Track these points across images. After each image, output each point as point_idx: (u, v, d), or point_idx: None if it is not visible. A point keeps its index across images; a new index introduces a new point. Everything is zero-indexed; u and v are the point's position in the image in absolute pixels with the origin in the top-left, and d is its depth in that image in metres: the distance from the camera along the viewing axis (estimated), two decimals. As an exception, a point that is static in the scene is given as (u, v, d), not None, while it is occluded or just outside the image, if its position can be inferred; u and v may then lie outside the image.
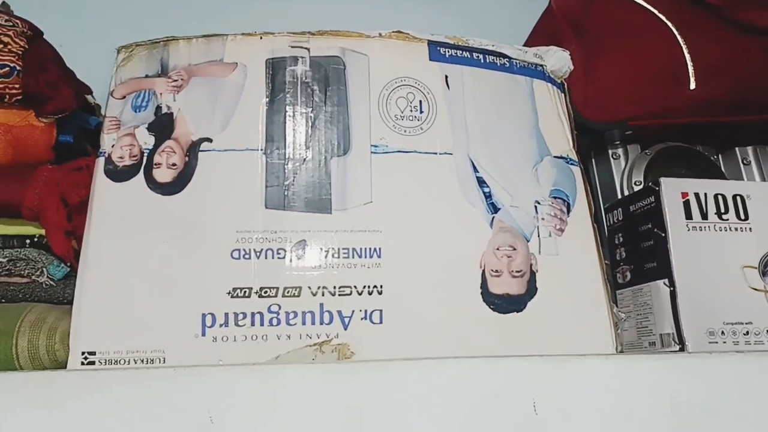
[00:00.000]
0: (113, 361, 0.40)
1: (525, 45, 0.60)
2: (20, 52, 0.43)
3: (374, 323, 0.41)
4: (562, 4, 0.67)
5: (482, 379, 0.36)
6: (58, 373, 0.39)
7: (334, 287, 0.41)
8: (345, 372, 0.40)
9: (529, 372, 0.35)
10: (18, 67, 0.42)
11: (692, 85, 0.58)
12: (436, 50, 0.47)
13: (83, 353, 0.40)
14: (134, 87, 0.45)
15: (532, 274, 0.44)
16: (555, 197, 0.46)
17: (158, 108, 0.44)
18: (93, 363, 0.39)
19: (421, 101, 0.45)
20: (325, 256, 0.42)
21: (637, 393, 0.36)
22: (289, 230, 0.42)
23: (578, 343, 0.43)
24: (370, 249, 0.42)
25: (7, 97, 0.42)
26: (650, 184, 0.47)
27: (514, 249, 0.44)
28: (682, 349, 0.42)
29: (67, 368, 0.40)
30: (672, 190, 0.46)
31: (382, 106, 0.45)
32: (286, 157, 0.43)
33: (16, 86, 0.42)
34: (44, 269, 0.44)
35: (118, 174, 0.43)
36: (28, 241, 0.44)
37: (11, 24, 0.46)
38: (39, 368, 0.40)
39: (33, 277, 0.44)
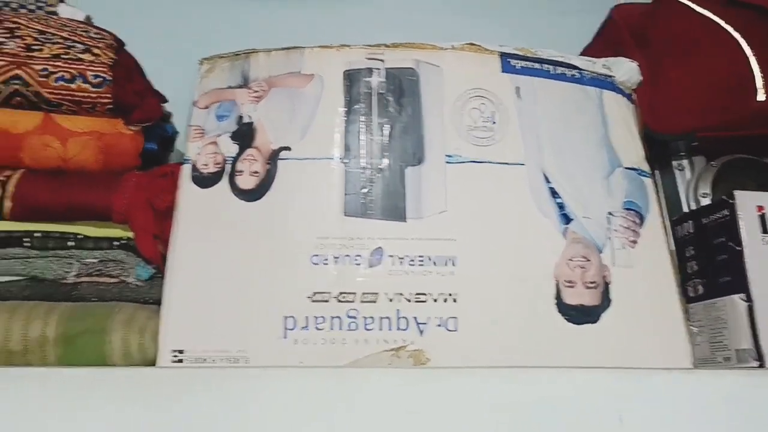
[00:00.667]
0: (200, 360, 0.41)
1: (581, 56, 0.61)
2: (110, 63, 0.46)
3: (449, 330, 0.42)
4: (624, 16, 0.67)
5: (563, 390, 0.37)
6: (150, 370, 0.41)
7: (410, 294, 0.43)
8: (422, 377, 0.41)
9: (613, 384, 0.36)
10: (108, 78, 0.45)
11: (760, 97, 0.58)
12: (508, 62, 0.48)
13: (172, 351, 0.42)
14: (217, 97, 0.47)
15: (606, 285, 0.44)
16: (628, 209, 0.46)
17: (240, 117, 0.46)
18: (181, 361, 0.41)
19: (493, 112, 0.46)
20: (401, 264, 0.43)
21: (718, 408, 0.36)
22: (366, 237, 0.43)
23: (653, 356, 0.43)
24: (444, 257, 0.43)
25: (99, 106, 0.45)
26: (724, 197, 0.47)
27: (588, 260, 0.44)
28: (761, 365, 0.42)
29: (157, 365, 0.42)
30: (747, 203, 0.45)
31: (456, 116, 0.46)
32: (363, 165, 0.44)
33: (108, 96, 0.44)
34: (132, 270, 0.46)
35: (202, 180, 0.45)
36: (116, 243, 0.46)
37: (100, 36, 0.49)
38: (131, 365, 0.42)
39: (121, 278, 0.46)
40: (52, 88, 0.43)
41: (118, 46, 0.50)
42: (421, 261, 0.43)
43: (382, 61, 0.46)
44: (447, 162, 0.45)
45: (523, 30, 0.80)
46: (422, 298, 0.42)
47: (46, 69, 0.43)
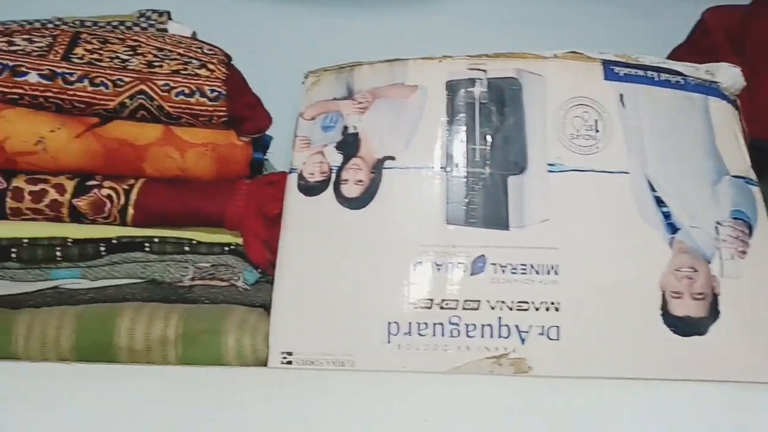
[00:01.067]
0: (308, 362, 0.43)
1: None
2: (224, 78, 0.48)
3: (551, 339, 0.42)
4: (719, 21, 0.65)
5: (674, 403, 0.36)
6: (262, 370, 0.43)
7: (512, 302, 0.43)
8: (525, 386, 0.41)
9: (729, 398, 0.35)
10: (224, 92, 0.47)
11: None
12: (611, 69, 0.47)
13: (282, 353, 0.44)
14: (323, 109, 0.49)
15: (714, 297, 0.43)
16: (736, 218, 0.45)
17: (345, 128, 0.47)
18: (291, 362, 0.43)
19: (596, 120, 0.46)
20: (503, 272, 0.43)
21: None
22: (468, 245, 0.44)
23: (764, 370, 0.42)
24: (547, 266, 0.43)
25: (215, 119, 0.47)
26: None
27: (695, 271, 0.43)
28: None
29: (268, 365, 0.44)
30: None
31: (558, 125, 0.46)
32: (466, 174, 0.45)
33: (223, 109, 0.47)
34: (240, 274, 0.49)
35: (309, 189, 0.47)
36: (226, 248, 0.49)
37: (213, 52, 0.52)
38: (244, 365, 0.44)
39: (231, 281, 0.48)
40: (173, 102, 0.46)
41: (227, 60, 0.53)
42: (524, 269, 0.43)
43: (484, 71, 0.46)
44: (549, 171, 0.45)
45: (602, 34, 0.79)
46: (524, 306, 0.43)
47: (167, 84, 0.46)
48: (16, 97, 0.45)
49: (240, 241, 0.49)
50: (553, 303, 0.43)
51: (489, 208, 0.44)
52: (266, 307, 0.49)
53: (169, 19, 0.61)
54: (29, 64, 0.45)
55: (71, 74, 0.45)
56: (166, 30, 0.60)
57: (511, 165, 0.45)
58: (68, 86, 0.45)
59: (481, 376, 0.42)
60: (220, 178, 0.49)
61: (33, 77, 0.45)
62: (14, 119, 0.45)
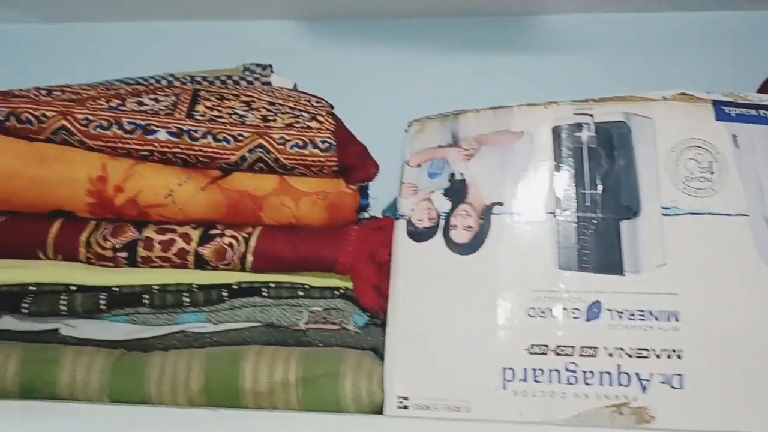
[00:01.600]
0: (424, 407, 0.44)
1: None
2: (332, 129, 0.51)
3: (674, 388, 0.41)
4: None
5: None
6: (378, 418, 0.44)
7: (631, 349, 0.42)
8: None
9: None
10: (334, 143, 0.50)
11: None
12: (722, 110, 0.46)
13: (398, 398, 0.44)
14: (428, 156, 0.50)
15: None
16: None
17: (452, 175, 0.48)
18: (407, 407, 0.44)
19: (710, 162, 0.45)
20: (620, 318, 0.43)
21: None
22: (583, 291, 0.44)
23: None
24: (666, 312, 0.42)
25: (326, 168, 0.49)
26: None
27: (827, 316, 0.41)
28: None
29: (384, 412, 0.45)
30: None
31: (671, 168, 0.45)
32: (576, 219, 0.45)
33: (334, 159, 0.49)
34: (350, 318, 0.50)
35: (418, 235, 0.48)
36: (336, 292, 0.51)
37: (320, 105, 0.54)
38: (360, 409, 0.45)
39: (343, 325, 0.50)
40: (288, 154, 0.49)
41: (331, 110, 0.55)
42: (642, 315, 0.43)
43: (591, 115, 0.46)
44: (664, 214, 0.44)
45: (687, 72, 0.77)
46: (644, 353, 0.42)
47: (283, 138, 0.49)
48: (146, 153, 0.49)
49: (348, 285, 0.51)
50: (674, 350, 0.42)
51: (602, 252, 0.44)
52: (376, 350, 0.50)
53: (272, 72, 0.65)
54: (158, 122, 0.49)
55: (196, 131, 0.49)
56: (269, 83, 0.63)
57: (623, 209, 0.45)
58: (194, 142, 0.49)
59: (601, 426, 0.42)
60: (330, 224, 0.51)
61: (162, 135, 0.49)
62: (146, 174, 0.48)
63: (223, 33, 0.85)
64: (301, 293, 0.50)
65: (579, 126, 0.47)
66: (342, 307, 0.51)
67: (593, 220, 0.45)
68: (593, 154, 0.46)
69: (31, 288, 0.48)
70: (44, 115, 0.48)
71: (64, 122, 0.48)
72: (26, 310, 0.48)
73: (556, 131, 0.47)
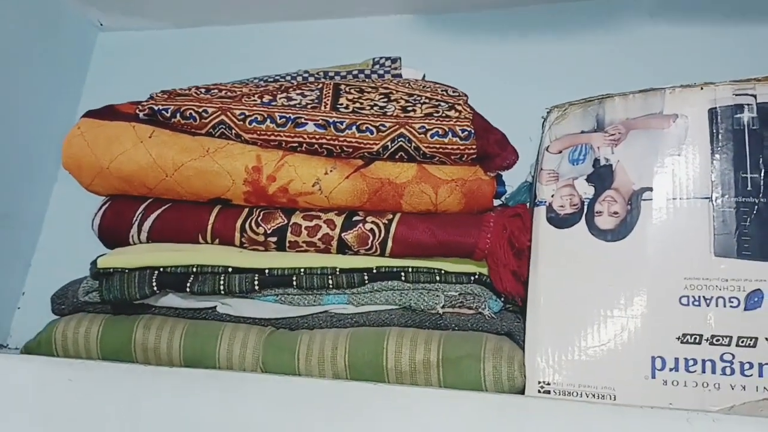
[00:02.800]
0: (566, 393, 0.44)
1: None
2: (471, 118, 0.52)
3: None
4: None
5: None
6: (522, 398, 0.45)
7: (798, 341, 0.40)
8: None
9: None
10: (473, 131, 0.50)
11: None
12: None
13: (539, 382, 0.45)
14: (570, 142, 0.50)
15: None
16: None
17: (596, 161, 0.48)
18: (549, 392, 0.44)
19: None
20: (785, 307, 0.41)
21: None
22: (742, 278, 0.42)
23: None
24: (840, 302, 0.40)
25: (465, 156, 0.50)
26: None
27: None
28: None
29: (525, 394, 0.45)
30: None
31: (844, 149, 0.42)
32: (736, 204, 0.43)
33: (473, 147, 0.50)
34: (485, 303, 0.51)
35: (560, 221, 0.48)
36: (472, 277, 0.52)
37: (457, 94, 0.55)
38: (500, 391, 0.46)
39: (478, 309, 0.51)
40: (429, 143, 0.50)
41: (467, 99, 0.56)
42: (810, 305, 0.40)
43: (753, 96, 0.44)
44: (836, 198, 0.41)
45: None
46: (813, 345, 0.39)
47: (423, 127, 0.51)
48: (296, 144, 0.52)
49: (483, 270, 0.52)
50: None
51: (766, 239, 0.42)
52: (511, 335, 0.51)
53: (401, 64, 0.67)
54: (307, 115, 0.52)
55: (341, 122, 0.52)
56: (400, 75, 0.65)
57: (789, 193, 0.42)
58: (339, 133, 0.51)
59: (758, 418, 0.40)
60: (467, 211, 0.52)
61: (311, 127, 0.52)
62: (296, 164, 0.52)
63: (345, 29, 0.88)
64: (438, 278, 0.51)
65: (740, 107, 0.45)
66: (477, 292, 0.51)
67: (756, 205, 0.43)
68: (755, 135, 0.44)
69: (193, 270, 0.53)
70: (206, 111, 0.53)
71: (224, 117, 0.53)
72: (189, 290, 0.53)
73: (712, 113, 0.45)
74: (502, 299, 0.52)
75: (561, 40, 0.78)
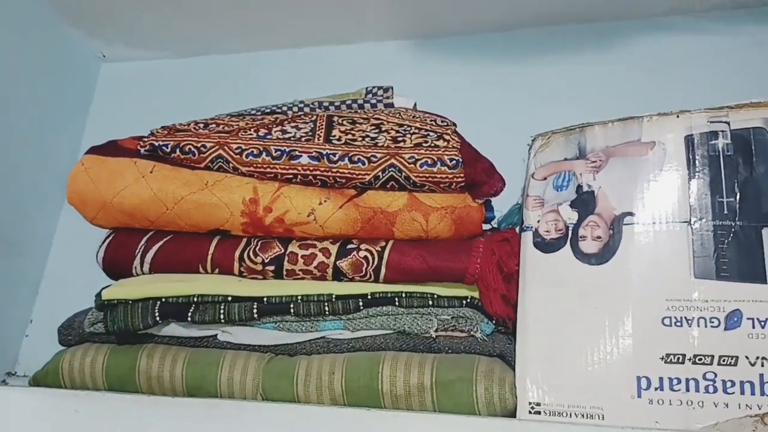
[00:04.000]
0: (556, 413, 0.45)
1: None
2: (459, 147, 0.53)
3: (827, 400, 0.40)
4: None
5: None
6: (511, 421, 0.46)
7: (776, 359, 0.41)
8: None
9: None
10: (461, 160, 0.52)
11: None
12: None
13: (530, 403, 0.46)
14: (554, 169, 0.51)
15: None
16: None
17: (579, 187, 0.50)
18: (539, 413, 0.46)
19: None
20: (762, 327, 0.42)
21: None
22: (721, 299, 0.43)
23: None
24: (815, 321, 0.41)
25: (454, 184, 0.52)
26: None
27: None
28: None
29: (517, 416, 0.46)
30: None
31: (816, 173, 0.43)
32: (713, 227, 0.45)
33: (461, 175, 0.52)
34: (477, 326, 0.52)
35: (546, 246, 0.50)
36: (464, 301, 0.53)
37: (445, 123, 0.57)
38: (492, 412, 0.47)
39: (470, 332, 0.52)
40: (418, 172, 0.52)
41: (455, 128, 0.58)
42: (788, 325, 0.41)
43: (727, 123, 0.46)
44: (809, 221, 0.43)
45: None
46: (791, 363, 0.41)
47: (413, 157, 0.53)
48: (291, 176, 0.54)
49: (475, 294, 0.53)
50: (825, 361, 0.40)
51: (743, 261, 0.43)
52: (503, 357, 0.52)
53: (393, 93, 0.69)
54: (301, 148, 0.54)
55: (334, 154, 0.53)
56: (392, 104, 0.67)
57: (764, 217, 0.44)
58: (332, 165, 0.53)
59: (744, 436, 0.41)
60: (457, 237, 0.54)
61: (305, 159, 0.53)
62: (291, 195, 0.53)
63: (342, 56, 0.90)
64: (430, 302, 0.53)
65: (714, 134, 0.46)
66: (469, 315, 0.53)
67: (732, 228, 0.44)
68: (730, 161, 0.45)
69: (194, 299, 0.55)
70: (204, 146, 0.55)
71: (221, 151, 0.55)
72: (191, 319, 0.54)
73: (689, 140, 0.47)
74: (494, 322, 0.53)
75: (553, 63, 0.80)
